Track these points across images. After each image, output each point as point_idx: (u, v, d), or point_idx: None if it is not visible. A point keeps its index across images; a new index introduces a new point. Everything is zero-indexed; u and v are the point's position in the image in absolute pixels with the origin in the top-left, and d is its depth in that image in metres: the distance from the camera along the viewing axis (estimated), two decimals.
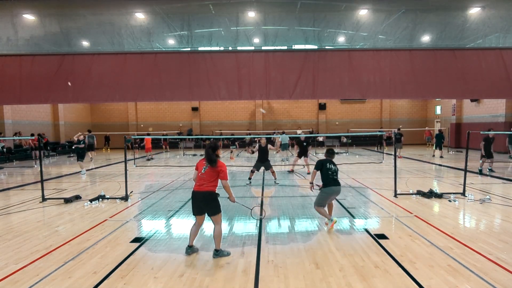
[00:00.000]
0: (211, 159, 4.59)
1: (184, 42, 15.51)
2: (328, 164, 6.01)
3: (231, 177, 11.99)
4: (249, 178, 10.62)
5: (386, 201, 7.98)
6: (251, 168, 10.78)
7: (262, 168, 10.66)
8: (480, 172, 11.82)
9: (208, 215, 4.70)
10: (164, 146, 26.70)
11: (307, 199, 8.44)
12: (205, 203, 4.63)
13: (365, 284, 3.84)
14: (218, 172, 4.61)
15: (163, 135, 27.21)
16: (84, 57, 11.30)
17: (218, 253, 4.66)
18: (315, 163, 6.34)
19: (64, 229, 6.06)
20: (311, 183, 6.21)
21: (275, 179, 10.57)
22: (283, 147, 17.83)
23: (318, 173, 6.09)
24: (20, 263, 4.53)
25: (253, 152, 10.90)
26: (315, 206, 6.05)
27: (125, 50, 13.81)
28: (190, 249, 4.81)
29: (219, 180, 4.69)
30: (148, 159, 18.94)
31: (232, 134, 24.31)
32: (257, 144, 10.71)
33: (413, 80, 10.94)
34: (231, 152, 19.90)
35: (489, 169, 12.25)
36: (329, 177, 5.93)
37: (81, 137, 13.19)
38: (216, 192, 4.66)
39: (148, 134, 19.77)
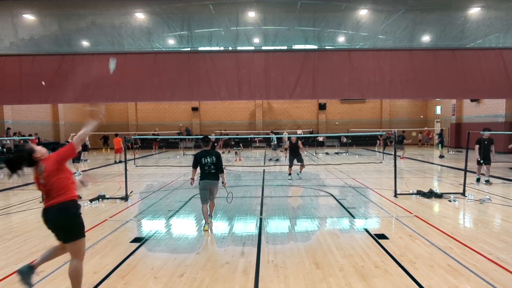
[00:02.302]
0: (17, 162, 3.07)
1: (184, 42, 15.50)
2: (203, 158, 5.92)
3: (236, 177, 11.95)
4: (289, 174, 11.47)
5: (386, 201, 7.98)
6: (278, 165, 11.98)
7: (263, 169, 10.84)
8: (478, 180, 10.27)
9: (64, 241, 3.24)
10: (154, 147, 26.51)
11: (307, 199, 8.44)
12: (56, 223, 3.14)
13: (365, 284, 3.84)
14: (57, 163, 3.13)
15: (153, 134, 27.13)
16: (84, 57, 11.30)
17: None
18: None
19: None
20: (192, 178, 6.15)
21: (300, 172, 11.64)
22: (274, 147, 18.04)
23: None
24: (20, 263, 4.52)
25: (286, 149, 11.65)
26: (202, 205, 6.05)
27: (125, 50, 13.80)
28: (27, 270, 3.36)
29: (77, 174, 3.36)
30: (116, 162, 17.35)
31: (237, 134, 24.28)
32: (288, 142, 11.75)
33: (413, 80, 10.93)
34: (236, 153, 19.83)
35: (485, 180, 10.23)
36: (204, 172, 5.92)
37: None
38: (73, 199, 3.19)
39: (116, 135, 18.67)
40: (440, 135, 18.68)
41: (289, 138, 11.46)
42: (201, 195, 6.01)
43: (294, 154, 11.23)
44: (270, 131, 21.42)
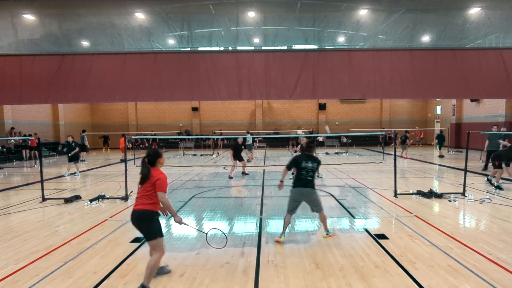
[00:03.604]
0: (145, 175, 3.73)
1: (184, 42, 15.51)
2: (304, 162, 5.20)
3: (236, 177, 11.93)
4: (293, 173, 11.30)
5: (386, 201, 7.98)
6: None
7: (263, 169, 10.85)
8: (499, 187, 9.10)
9: (146, 240, 3.88)
10: (153, 147, 26.56)
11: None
12: (139, 225, 3.76)
13: (365, 284, 3.84)
14: (154, 183, 3.70)
15: (151, 135, 27.15)
16: (84, 57, 11.30)
17: None
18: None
19: (64, 229, 6.06)
20: (281, 181, 5.41)
21: (318, 173, 11.64)
22: (249, 147, 17.84)
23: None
24: (20, 263, 4.53)
25: (296, 152, 11.51)
26: (287, 212, 5.36)
27: (125, 50, 13.81)
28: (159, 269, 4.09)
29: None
30: (122, 161, 16.98)
31: (251, 134, 24.25)
32: (300, 144, 11.80)
33: (413, 80, 10.94)
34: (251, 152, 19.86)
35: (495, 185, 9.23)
36: (300, 177, 5.19)
37: (70, 139, 13.21)
38: (153, 210, 3.75)
39: (123, 135, 18.63)
40: (439, 136, 18.64)
41: (301, 140, 11.54)
42: (289, 204, 5.30)
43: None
44: (246, 131, 21.35)
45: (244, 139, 14.13)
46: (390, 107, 30.11)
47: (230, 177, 11.78)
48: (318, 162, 5.32)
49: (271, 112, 30.18)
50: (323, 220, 5.37)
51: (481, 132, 9.99)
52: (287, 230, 5.45)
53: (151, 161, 3.84)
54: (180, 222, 3.92)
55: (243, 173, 12.40)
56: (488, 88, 10.94)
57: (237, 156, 11.95)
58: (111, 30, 14.25)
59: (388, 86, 10.99)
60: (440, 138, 18.45)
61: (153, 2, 13.38)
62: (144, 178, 3.73)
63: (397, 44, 14.63)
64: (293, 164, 5.31)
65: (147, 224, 3.74)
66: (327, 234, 5.40)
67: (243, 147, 12.30)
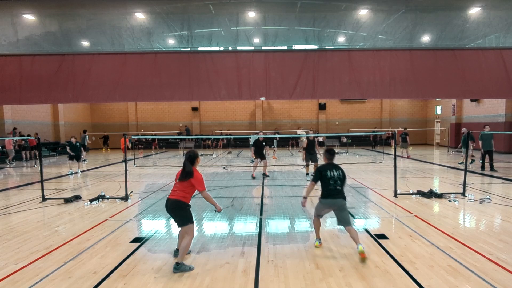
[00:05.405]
0: (187, 172, 4.33)
1: (184, 42, 15.53)
2: (329, 171, 4.85)
3: (236, 177, 11.94)
4: (307, 173, 11.42)
5: (386, 201, 7.97)
6: (303, 164, 11.63)
7: (263, 169, 10.87)
8: None
9: (178, 226, 4.50)
10: (153, 147, 26.65)
11: (307, 199, 8.42)
12: (173, 212, 4.41)
13: (365, 284, 3.83)
14: (191, 183, 4.34)
15: (152, 135, 27.19)
16: (84, 57, 11.32)
17: (178, 267, 4.18)
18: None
19: (64, 229, 6.06)
20: (304, 197, 5.10)
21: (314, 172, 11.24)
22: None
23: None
24: (20, 263, 4.53)
25: (304, 149, 11.23)
26: (314, 215, 5.12)
27: (125, 50, 13.82)
28: (178, 252, 4.58)
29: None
30: (123, 160, 17.49)
31: (274, 134, 24.32)
32: (305, 140, 11.52)
33: (413, 80, 10.95)
34: (274, 151, 19.88)
35: None
36: (329, 187, 4.80)
37: (73, 140, 13.38)
38: (185, 202, 4.38)
39: (124, 135, 18.57)
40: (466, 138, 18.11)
41: (307, 137, 11.17)
42: (318, 209, 5.00)
43: (311, 152, 11.01)
44: (255, 133, 21.48)
45: (267, 137, 13.71)
46: (390, 107, 30.12)
47: (266, 175, 11.29)
48: (342, 169, 4.96)
49: (271, 112, 30.18)
50: (354, 235, 4.61)
51: (482, 133, 10.00)
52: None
53: (192, 161, 4.41)
54: (220, 210, 4.64)
55: (264, 174, 11.64)
56: (488, 88, 10.96)
57: (260, 154, 11.35)
58: (111, 30, 14.26)
59: (388, 86, 11.00)
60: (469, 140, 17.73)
61: (153, 2, 13.39)
62: (188, 175, 4.32)
63: (397, 44, 14.65)
64: (317, 175, 4.89)
65: (180, 212, 4.37)
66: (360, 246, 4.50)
67: (263, 143, 11.51)
